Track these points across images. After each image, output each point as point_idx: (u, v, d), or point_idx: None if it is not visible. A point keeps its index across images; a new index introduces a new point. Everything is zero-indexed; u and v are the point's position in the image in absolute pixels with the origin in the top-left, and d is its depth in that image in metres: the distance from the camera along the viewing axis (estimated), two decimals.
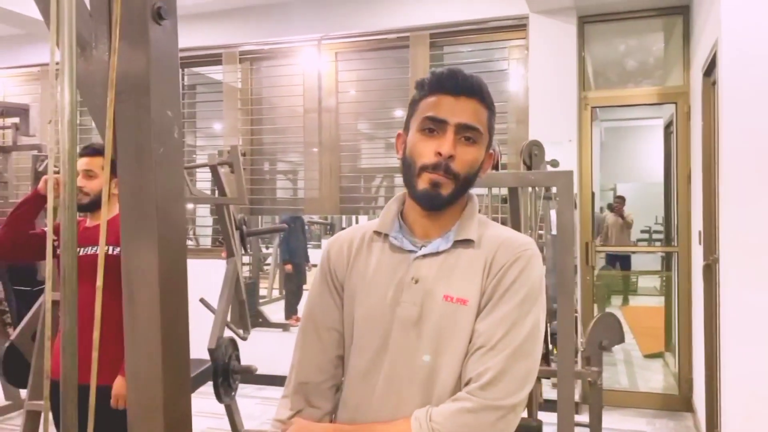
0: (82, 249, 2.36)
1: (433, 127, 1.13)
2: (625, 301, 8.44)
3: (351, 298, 1.21)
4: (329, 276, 1.24)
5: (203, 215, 6.95)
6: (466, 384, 1.06)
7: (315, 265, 6.95)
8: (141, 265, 0.90)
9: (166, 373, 0.91)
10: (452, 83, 1.14)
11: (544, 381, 3.54)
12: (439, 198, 1.13)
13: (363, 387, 1.16)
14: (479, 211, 1.21)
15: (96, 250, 2.35)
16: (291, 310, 6.79)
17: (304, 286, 6.97)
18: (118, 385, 2.19)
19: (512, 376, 1.05)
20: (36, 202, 2.46)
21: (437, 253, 1.16)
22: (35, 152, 4.03)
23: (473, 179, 1.16)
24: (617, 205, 8.32)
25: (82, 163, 2.42)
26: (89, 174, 2.41)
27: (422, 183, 1.13)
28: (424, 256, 1.16)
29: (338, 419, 1.21)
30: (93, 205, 2.43)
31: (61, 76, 0.82)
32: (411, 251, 1.17)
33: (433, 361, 1.10)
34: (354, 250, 1.23)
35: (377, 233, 1.23)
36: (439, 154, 1.11)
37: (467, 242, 1.16)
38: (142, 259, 0.89)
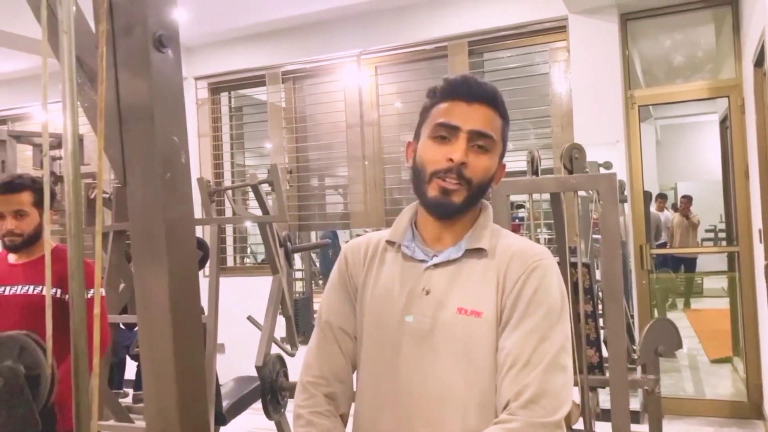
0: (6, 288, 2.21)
1: (445, 134, 1.11)
2: (688, 304, 8.10)
3: (361, 306, 1.19)
4: (347, 279, 1.23)
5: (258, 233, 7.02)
6: (506, 406, 1.03)
7: None
8: (152, 291, 0.91)
9: (183, 405, 0.91)
10: (465, 89, 1.11)
11: (600, 390, 3.42)
12: (451, 206, 1.11)
13: (376, 400, 1.14)
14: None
15: (23, 290, 2.19)
16: None
17: None
18: None
19: (552, 391, 1.02)
20: None
21: (449, 263, 1.13)
22: (89, 180, 4.18)
23: (486, 188, 1.14)
24: (683, 205, 7.96)
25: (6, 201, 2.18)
26: (20, 213, 2.18)
27: (432, 190, 1.11)
28: (436, 266, 1.13)
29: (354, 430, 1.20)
30: (26, 244, 2.22)
31: (63, 108, 0.84)
32: (422, 261, 1.15)
33: (450, 377, 1.07)
34: (368, 257, 1.22)
35: (390, 243, 1.21)
36: (451, 160, 1.08)
37: (479, 252, 1.13)
38: (153, 284, 0.91)
